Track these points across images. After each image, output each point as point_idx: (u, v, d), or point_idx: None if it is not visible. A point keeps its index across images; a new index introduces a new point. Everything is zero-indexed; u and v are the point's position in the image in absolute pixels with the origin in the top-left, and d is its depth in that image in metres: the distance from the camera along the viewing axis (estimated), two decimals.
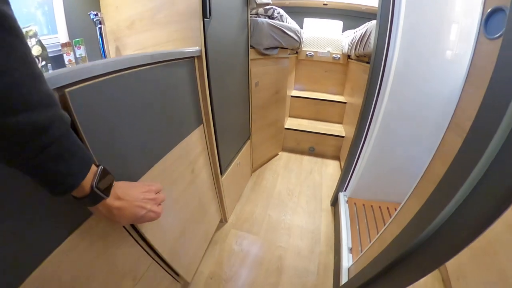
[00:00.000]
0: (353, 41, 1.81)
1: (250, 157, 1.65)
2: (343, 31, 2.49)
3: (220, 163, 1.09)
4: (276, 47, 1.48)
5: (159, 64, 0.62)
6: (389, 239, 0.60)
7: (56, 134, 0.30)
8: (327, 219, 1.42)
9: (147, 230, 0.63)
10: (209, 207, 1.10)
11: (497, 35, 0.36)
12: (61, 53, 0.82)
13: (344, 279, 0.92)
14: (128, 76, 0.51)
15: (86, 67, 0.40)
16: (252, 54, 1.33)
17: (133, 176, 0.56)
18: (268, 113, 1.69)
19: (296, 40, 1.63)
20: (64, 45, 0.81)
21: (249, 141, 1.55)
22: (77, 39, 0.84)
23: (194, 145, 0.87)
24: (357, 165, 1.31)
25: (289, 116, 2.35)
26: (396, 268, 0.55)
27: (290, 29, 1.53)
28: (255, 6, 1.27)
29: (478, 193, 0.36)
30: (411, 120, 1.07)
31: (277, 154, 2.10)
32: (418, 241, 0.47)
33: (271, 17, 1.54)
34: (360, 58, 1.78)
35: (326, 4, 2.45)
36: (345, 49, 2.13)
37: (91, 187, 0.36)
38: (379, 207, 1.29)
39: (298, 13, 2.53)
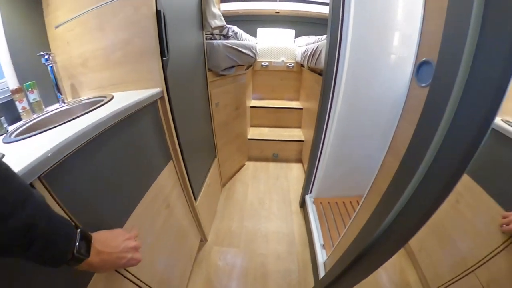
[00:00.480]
0: (305, 54, 1.92)
1: (218, 174, 1.69)
2: (295, 38, 2.62)
3: (193, 190, 1.10)
4: (233, 66, 1.54)
5: (122, 119, 0.61)
6: (351, 237, 0.72)
7: (42, 224, 0.32)
8: (298, 220, 1.54)
9: (135, 269, 0.64)
10: (189, 232, 1.12)
11: (425, 84, 0.42)
12: (12, 98, 0.76)
13: (321, 273, 1.02)
14: (93, 143, 0.51)
15: (54, 152, 0.40)
16: (210, 77, 1.37)
17: (116, 227, 0.58)
18: (230, 128, 1.75)
19: (252, 57, 1.72)
20: (14, 91, 0.74)
21: (216, 159, 1.59)
22: (28, 82, 0.78)
23: (166, 181, 0.88)
24: (319, 166, 1.43)
25: (251, 126, 2.42)
26: (364, 257, 0.66)
27: (245, 46, 1.60)
28: (210, 29, 1.31)
29: (412, 205, 0.48)
30: (364, 120, 1.20)
31: (244, 165, 2.16)
32: (374, 237, 0.59)
33: (226, 36, 1.60)
34: (312, 68, 1.90)
35: (278, 12, 2.56)
36: (298, 58, 2.25)
37: (73, 253, 0.37)
38: (343, 202, 1.45)
39: (251, 21, 2.62)
